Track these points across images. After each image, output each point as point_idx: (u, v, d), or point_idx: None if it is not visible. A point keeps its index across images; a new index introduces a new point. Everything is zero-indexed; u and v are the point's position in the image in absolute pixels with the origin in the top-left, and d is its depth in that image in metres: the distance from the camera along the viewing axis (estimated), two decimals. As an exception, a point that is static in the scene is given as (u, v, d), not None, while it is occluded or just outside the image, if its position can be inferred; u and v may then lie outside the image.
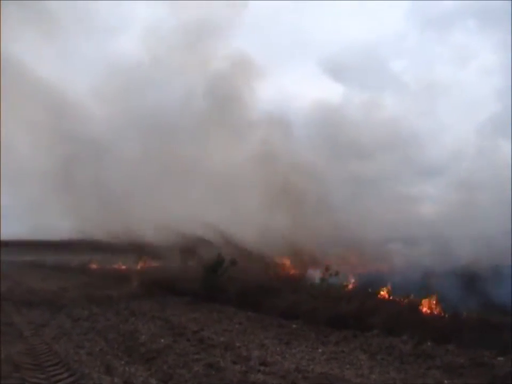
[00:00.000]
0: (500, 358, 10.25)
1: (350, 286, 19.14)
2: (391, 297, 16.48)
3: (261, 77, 29.20)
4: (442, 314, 13.99)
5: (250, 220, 25.56)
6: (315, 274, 20.67)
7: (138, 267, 35.16)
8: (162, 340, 12.82)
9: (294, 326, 14.65)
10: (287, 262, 25.99)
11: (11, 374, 9.57)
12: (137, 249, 33.92)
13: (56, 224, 32.94)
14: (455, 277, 16.40)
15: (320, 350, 11.76)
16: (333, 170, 26.48)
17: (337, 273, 19.60)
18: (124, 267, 37.49)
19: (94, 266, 40.66)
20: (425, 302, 15.03)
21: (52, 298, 21.69)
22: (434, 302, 14.94)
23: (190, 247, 29.82)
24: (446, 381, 9.09)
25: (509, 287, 13.87)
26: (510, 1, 29.60)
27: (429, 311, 14.68)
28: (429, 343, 11.66)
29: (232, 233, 25.72)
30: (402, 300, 15.78)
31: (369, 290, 17.64)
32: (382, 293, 16.86)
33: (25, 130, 29.65)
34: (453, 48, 48.62)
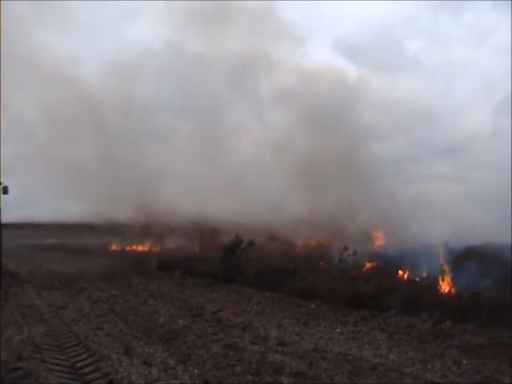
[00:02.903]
0: (519, 338, 10.17)
1: (368, 265, 19.03)
2: (409, 277, 16.38)
3: (276, 60, 29.02)
4: (461, 293, 13.86)
5: (268, 201, 25.55)
6: (334, 254, 20.57)
7: (158, 249, 35.35)
8: (180, 321, 12.91)
9: (312, 306, 14.65)
10: (306, 242, 25.94)
11: (32, 355, 9.67)
12: (156, 231, 34.10)
13: (76, 207, 33.18)
14: (472, 256, 16.25)
15: (338, 330, 11.75)
16: (349, 151, 26.27)
17: (355, 253, 19.52)
18: (143, 249, 37.77)
19: (113, 248, 40.99)
20: (443, 281, 14.93)
21: (72, 280, 21.91)
22: (452, 281, 14.84)
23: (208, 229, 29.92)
24: (464, 361, 9.03)
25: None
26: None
27: (447, 291, 14.58)
28: (447, 323, 11.59)
29: (250, 214, 25.72)
30: (420, 279, 15.69)
31: (387, 269, 17.53)
32: (400, 272, 16.78)
33: (43, 115, 29.84)
34: (467, 28, 48.02)
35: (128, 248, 39.84)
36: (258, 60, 28.59)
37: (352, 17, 54.90)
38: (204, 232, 30.65)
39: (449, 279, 14.87)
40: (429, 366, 8.81)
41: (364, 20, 52.12)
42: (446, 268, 15.36)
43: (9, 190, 23.53)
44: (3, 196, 23.33)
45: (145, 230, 35.43)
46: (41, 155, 31.04)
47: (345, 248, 19.79)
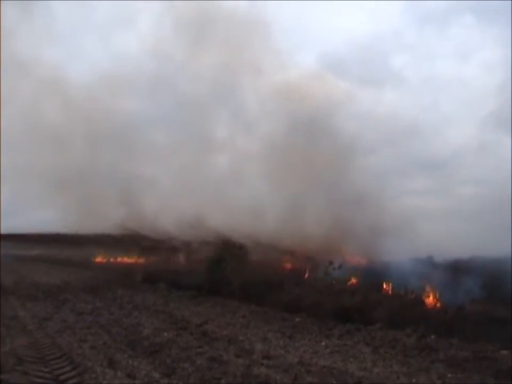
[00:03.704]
0: (504, 352, 10.23)
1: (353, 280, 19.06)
2: (394, 291, 16.43)
3: (262, 72, 29.19)
4: (446, 307, 13.93)
5: (252, 212, 25.55)
6: (319, 268, 20.60)
7: (142, 261, 35.23)
8: (165, 334, 12.84)
9: (297, 319, 14.65)
10: (291, 255, 25.91)
11: (14, 368, 9.57)
12: (141, 243, 33.94)
13: (62, 218, 32.96)
14: (458, 270, 16.34)
15: (323, 343, 11.75)
16: (334, 163, 26.34)
17: (340, 267, 19.56)
18: (127, 261, 37.64)
19: (98, 260, 40.81)
20: (428, 295, 15.00)
21: (56, 292, 21.73)
22: (437, 295, 14.91)
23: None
24: (449, 375, 9.07)
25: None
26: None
27: (432, 305, 14.64)
28: (432, 337, 11.66)
29: (235, 227, 25.66)
30: (405, 293, 15.74)
31: (373, 283, 17.57)
32: (385, 286, 16.82)
33: (27, 125, 29.73)
34: (452, 43, 48.62)
35: (113, 260, 39.70)
36: (244, 71, 28.73)
37: (337, 31, 55.33)
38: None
39: (434, 293, 14.95)
40: (413, 380, 8.82)
41: (349, 34, 52.58)
42: (431, 282, 15.44)
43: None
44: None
45: (130, 242, 35.27)
46: (25, 165, 30.83)
47: (331, 262, 19.82)
